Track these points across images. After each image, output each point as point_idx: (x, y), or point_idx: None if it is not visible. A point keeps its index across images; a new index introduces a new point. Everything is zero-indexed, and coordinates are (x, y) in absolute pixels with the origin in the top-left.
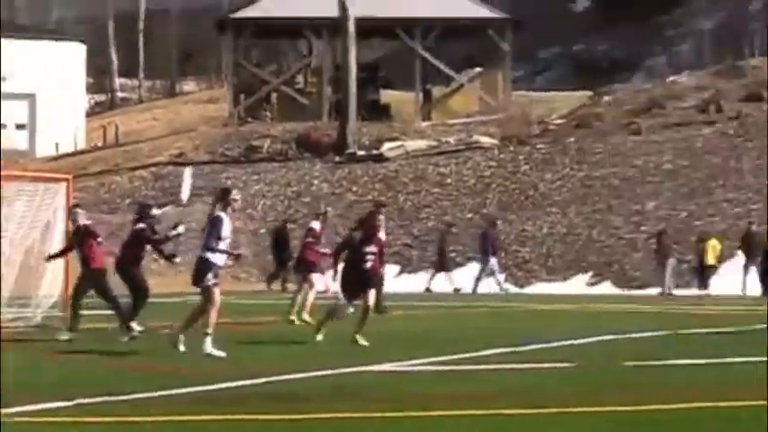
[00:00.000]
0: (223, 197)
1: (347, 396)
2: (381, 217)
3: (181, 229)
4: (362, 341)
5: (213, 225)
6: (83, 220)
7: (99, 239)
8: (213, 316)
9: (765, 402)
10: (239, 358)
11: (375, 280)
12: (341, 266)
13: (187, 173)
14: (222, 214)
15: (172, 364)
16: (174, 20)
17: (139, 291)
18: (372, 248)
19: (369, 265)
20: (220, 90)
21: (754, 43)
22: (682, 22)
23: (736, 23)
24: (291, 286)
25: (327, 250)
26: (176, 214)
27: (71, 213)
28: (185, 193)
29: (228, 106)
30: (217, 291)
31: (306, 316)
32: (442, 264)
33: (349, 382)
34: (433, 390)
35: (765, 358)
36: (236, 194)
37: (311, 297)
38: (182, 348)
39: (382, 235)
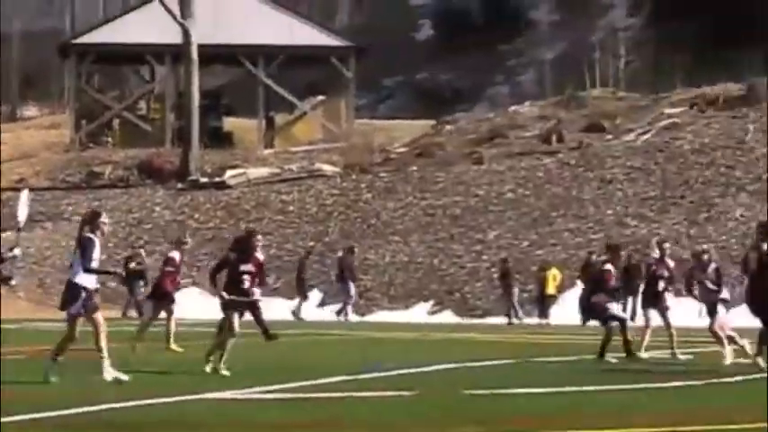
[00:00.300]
0: (92, 220)
1: (189, 424)
2: (259, 237)
3: (17, 251)
4: (224, 371)
5: (85, 247)
6: None
7: None
8: (103, 339)
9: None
10: (79, 385)
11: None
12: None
13: (23, 196)
14: (92, 236)
15: (8, 390)
16: (15, 43)
17: None
18: (249, 268)
19: (246, 285)
20: (62, 115)
21: (595, 73)
22: (524, 52)
23: (577, 53)
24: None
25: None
26: (14, 239)
27: None
28: (22, 217)
29: (70, 132)
30: (97, 315)
31: (173, 345)
32: (302, 290)
33: (191, 409)
34: (274, 418)
35: (596, 387)
36: (104, 218)
37: (173, 325)
38: (53, 379)
39: (260, 255)
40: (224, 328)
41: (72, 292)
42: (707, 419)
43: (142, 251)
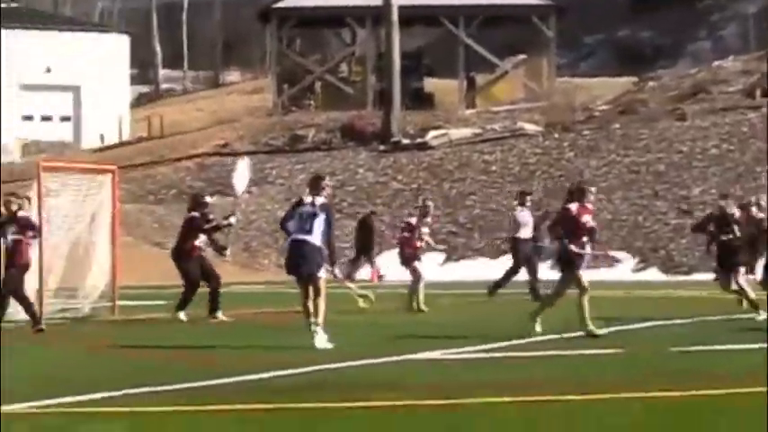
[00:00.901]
0: (317, 185)
1: (391, 385)
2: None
3: (232, 219)
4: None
5: (329, 212)
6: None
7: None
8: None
9: None
10: (286, 348)
11: None
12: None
13: (242, 164)
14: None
15: (217, 355)
16: (217, 10)
17: (187, 283)
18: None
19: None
20: (264, 80)
21: None
22: (726, 6)
23: None
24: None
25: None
26: (228, 205)
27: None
28: (241, 186)
29: (272, 96)
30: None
31: (422, 306)
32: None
33: (394, 371)
34: (484, 377)
35: None
36: (327, 181)
37: (422, 287)
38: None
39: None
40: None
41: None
42: None
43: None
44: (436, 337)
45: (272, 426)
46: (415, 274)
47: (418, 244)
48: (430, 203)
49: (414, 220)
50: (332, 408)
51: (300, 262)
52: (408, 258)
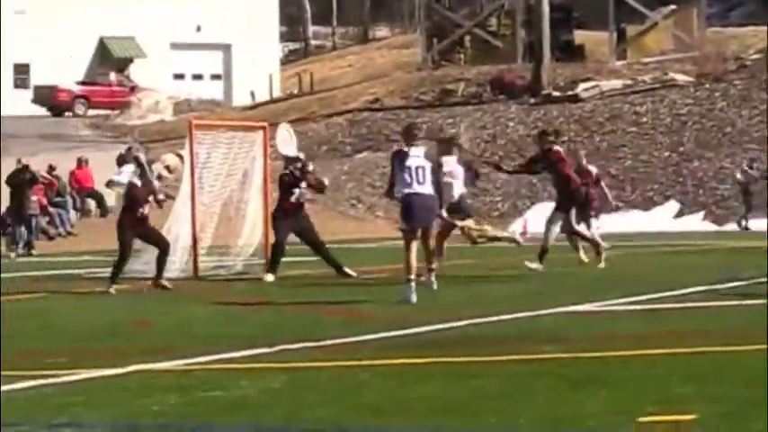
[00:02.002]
0: (412, 133)
1: (549, 337)
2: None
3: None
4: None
5: (433, 159)
6: None
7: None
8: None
9: None
10: (432, 302)
11: None
12: None
13: (282, 130)
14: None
15: (368, 309)
16: None
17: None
18: None
19: None
20: (413, 35)
21: None
22: None
23: None
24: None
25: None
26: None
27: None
28: (290, 150)
29: (421, 51)
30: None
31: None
32: None
33: (549, 323)
34: (633, 329)
35: None
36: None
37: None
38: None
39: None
40: None
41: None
42: None
43: None
44: (588, 289)
45: (427, 380)
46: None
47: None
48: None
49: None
50: (484, 361)
51: (424, 215)
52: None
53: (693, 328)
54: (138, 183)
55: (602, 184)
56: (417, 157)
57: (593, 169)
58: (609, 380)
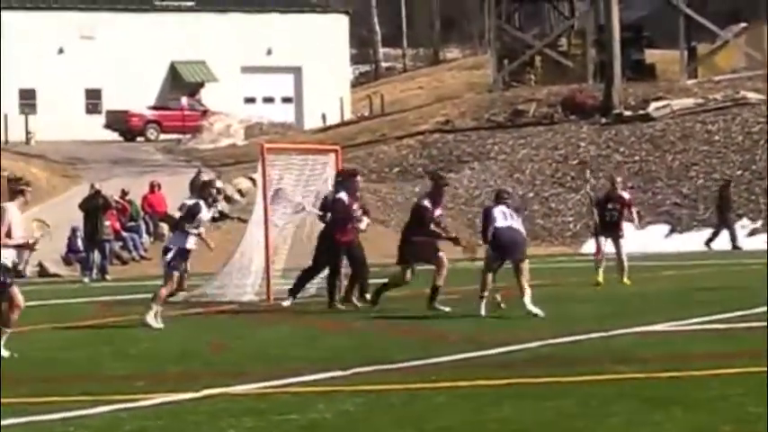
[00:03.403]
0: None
1: (621, 357)
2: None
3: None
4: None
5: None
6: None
7: None
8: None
9: None
10: (510, 323)
11: None
12: None
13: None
14: None
15: (441, 331)
16: None
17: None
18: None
19: None
20: (483, 56)
21: None
22: None
23: None
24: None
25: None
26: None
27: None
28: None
29: (492, 71)
30: None
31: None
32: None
33: (621, 343)
34: (705, 349)
35: None
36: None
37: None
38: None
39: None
40: None
41: None
42: None
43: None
44: (661, 308)
45: (502, 402)
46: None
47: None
48: (618, 178)
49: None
50: (559, 382)
51: (515, 248)
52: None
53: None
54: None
55: (633, 209)
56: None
57: (626, 195)
58: (685, 400)
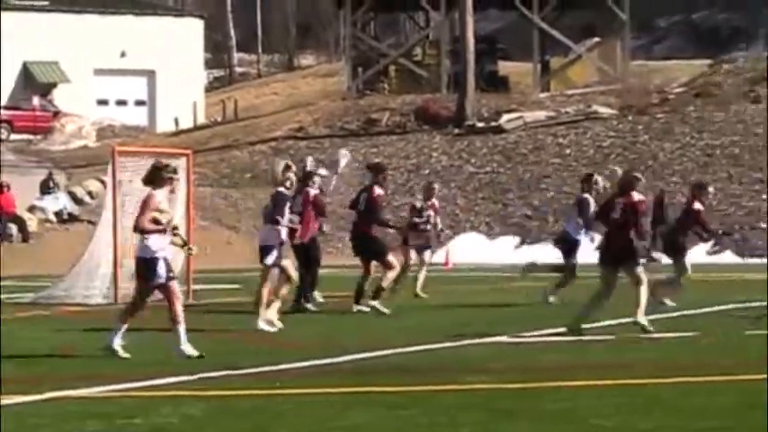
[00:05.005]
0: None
1: (471, 368)
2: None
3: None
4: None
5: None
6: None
7: None
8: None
9: None
10: (363, 331)
11: None
12: None
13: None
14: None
15: (292, 339)
16: None
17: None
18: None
19: None
20: (338, 64)
21: None
22: None
23: None
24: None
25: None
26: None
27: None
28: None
29: (347, 80)
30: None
31: (420, 292)
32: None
33: (471, 353)
34: (553, 361)
35: None
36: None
37: (424, 272)
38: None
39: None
40: None
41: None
42: None
43: None
44: (513, 319)
45: (351, 410)
46: (420, 258)
47: (426, 227)
48: (435, 185)
49: (418, 203)
50: (410, 391)
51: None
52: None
53: (618, 361)
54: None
55: (438, 217)
56: None
57: (418, 203)
58: (533, 411)
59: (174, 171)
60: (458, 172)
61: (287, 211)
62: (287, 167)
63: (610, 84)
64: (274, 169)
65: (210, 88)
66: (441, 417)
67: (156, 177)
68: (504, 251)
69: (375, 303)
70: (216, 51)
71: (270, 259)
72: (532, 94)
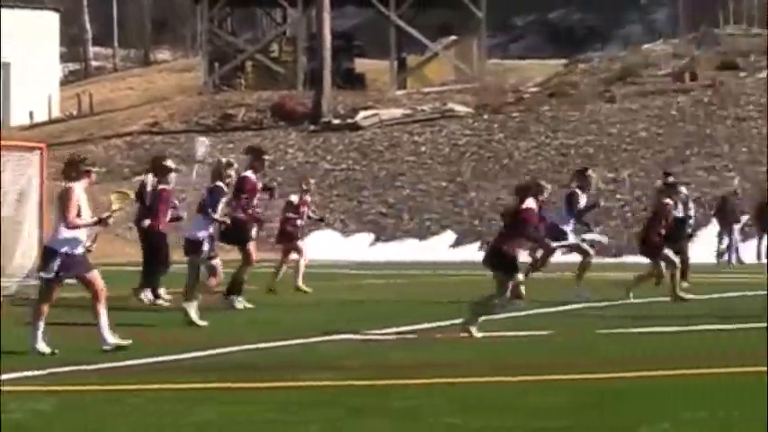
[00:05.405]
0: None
1: (321, 365)
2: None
3: None
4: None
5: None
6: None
7: None
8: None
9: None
10: (210, 327)
11: None
12: None
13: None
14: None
15: (142, 334)
16: None
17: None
18: None
19: None
20: (195, 59)
21: (729, 10)
22: None
23: None
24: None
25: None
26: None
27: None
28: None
29: (203, 75)
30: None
31: (300, 284)
32: None
33: (322, 350)
34: (405, 358)
35: (728, 326)
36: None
37: (303, 266)
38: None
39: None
40: None
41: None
42: None
43: None
44: (364, 317)
45: (202, 405)
46: (298, 253)
47: (299, 222)
48: (311, 180)
49: (295, 199)
50: (260, 388)
51: None
52: (290, 237)
53: (464, 360)
54: None
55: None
56: None
57: (294, 198)
58: (383, 408)
59: (93, 164)
60: (313, 169)
61: (221, 206)
62: (228, 164)
63: (466, 82)
64: (195, 152)
65: (66, 82)
66: (290, 414)
67: (75, 170)
68: (359, 248)
69: (232, 298)
70: (71, 45)
71: (203, 253)
72: (389, 92)
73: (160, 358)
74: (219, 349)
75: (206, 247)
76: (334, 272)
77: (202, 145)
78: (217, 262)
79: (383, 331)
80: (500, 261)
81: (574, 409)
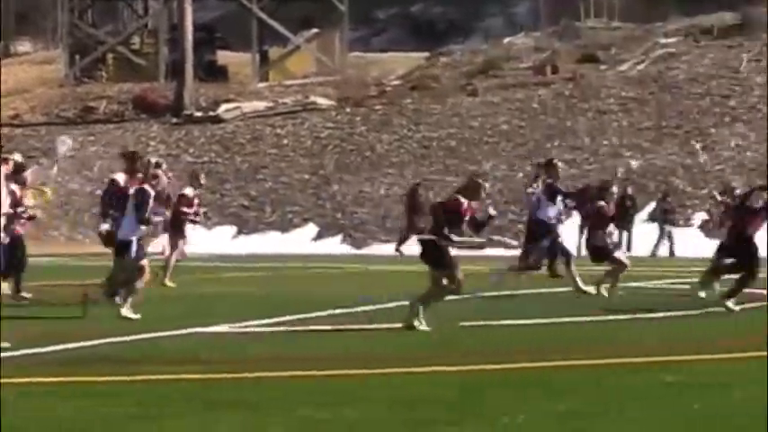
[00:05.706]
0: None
1: (182, 358)
2: None
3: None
4: None
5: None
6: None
7: None
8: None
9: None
10: (84, 320)
11: None
12: None
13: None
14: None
15: (17, 328)
16: None
17: None
18: None
19: None
20: (56, 51)
21: (590, 3)
22: None
23: None
24: None
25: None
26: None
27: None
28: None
29: (64, 67)
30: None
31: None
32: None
33: (183, 344)
34: (267, 351)
35: (588, 318)
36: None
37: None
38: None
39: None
40: None
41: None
42: None
43: None
44: (225, 310)
45: (68, 399)
46: (173, 248)
47: (194, 217)
48: (202, 174)
49: (190, 192)
50: (120, 381)
51: None
52: (180, 230)
53: (327, 353)
54: None
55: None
56: None
57: (189, 192)
58: (244, 401)
59: (9, 152)
60: (175, 161)
61: (149, 207)
62: (157, 165)
63: (328, 75)
64: (56, 150)
65: None
66: (153, 407)
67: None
68: (222, 241)
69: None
70: None
71: (132, 254)
72: (251, 85)
73: (19, 353)
74: (83, 342)
75: (134, 248)
76: (197, 265)
77: (63, 144)
78: (144, 263)
79: (243, 324)
80: (433, 256)
81: (437, 401)
